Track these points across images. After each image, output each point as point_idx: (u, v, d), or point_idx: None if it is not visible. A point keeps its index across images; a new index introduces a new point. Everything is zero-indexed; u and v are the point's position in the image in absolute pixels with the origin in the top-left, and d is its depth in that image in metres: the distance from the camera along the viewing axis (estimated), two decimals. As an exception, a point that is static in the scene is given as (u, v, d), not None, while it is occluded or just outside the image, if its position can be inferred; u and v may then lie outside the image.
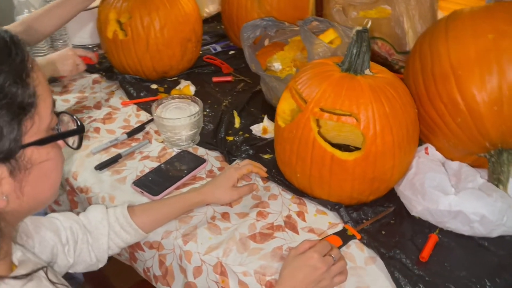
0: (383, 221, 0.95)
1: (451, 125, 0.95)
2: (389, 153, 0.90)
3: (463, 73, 0.91)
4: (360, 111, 0.87)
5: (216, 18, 1.96)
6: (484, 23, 0.93)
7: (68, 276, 0.82)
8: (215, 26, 1.89)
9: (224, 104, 1.36)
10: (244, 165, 1.02)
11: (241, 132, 1.24)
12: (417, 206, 0.93)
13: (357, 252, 0.89)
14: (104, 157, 1.15)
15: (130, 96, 1.41)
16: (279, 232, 0.93)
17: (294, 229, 0.94)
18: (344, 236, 0.91)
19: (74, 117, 0.65)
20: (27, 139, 0.56)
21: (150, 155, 1.16)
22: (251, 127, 1.25)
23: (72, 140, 0.66)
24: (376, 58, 1.42)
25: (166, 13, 1.37)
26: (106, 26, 1.40)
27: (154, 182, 1.05)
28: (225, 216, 0.98)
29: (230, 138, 1.21)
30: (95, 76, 1.53)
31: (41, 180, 0.60)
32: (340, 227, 0.95)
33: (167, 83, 1.47)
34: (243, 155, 1.14)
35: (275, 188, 1.05)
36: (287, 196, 1.03)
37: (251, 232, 0.93)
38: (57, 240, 0.82)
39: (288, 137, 0.96)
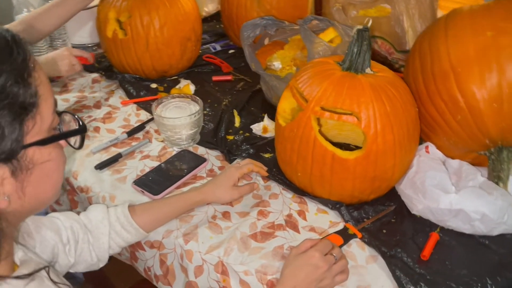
0: (384, 220, 0.95)
1: (451, 122, 0.95)
2: (390, 152, 0.90)
3: (462, 71, 0.91)
4: (361, 110, 0.87)
5: (215, 17, 1.95)
6: (483, 20, 0.93)
7: (69, 276, 0.81)
8: (214, 25, 1.89)
9: (224, 103, 1.36)
10: (244, 164, 1.02)
11: (241, 131, 1.23)
12: (418, 205, 0.93)
13: (358, 251, 0.89)
14: (104, 156, 1.15)
15: (129, 95, 1.41)
16: (280, 231, 0.93)
17: (295, 228, 0.94)
18: (345, 235, 0.91)
19: (76, 116, 0.65)
20: (29, 139, 0.56)
21: (150, 155, 1.16)
22: (252, 126, 1.24)
23: (74, 140, 0.66)
24: (376, 57, 1.42)
25: (165, 12, 1.37)
26: (105, 25, 1.39)
27: (154, 182, 1.05)
28: (226, 215, 0.98)
29: (231, 137, 1.21)
30: (95, 75, 1.53)
31: (43, 180, 0.60)
32: (341, 226, 0.95)
33: (167, 82, 1.47)
34: (243, 154, 1.14)
35: (275, 187, 1.05)
36: (288, 195, 1.03)
37: (252, 231, 0.93)
38: (58, 240, 0.82)
39: (289, 136, 0.96)
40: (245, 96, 1.38)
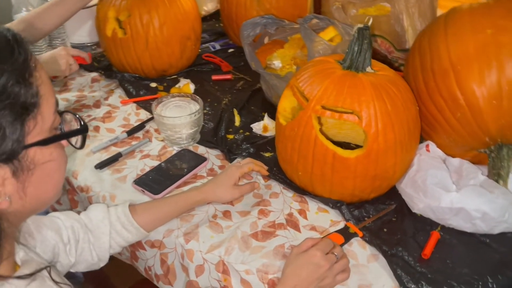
0: (385, 219, 0.95)
1: (451, 120, 0.95)
2: (391, 150, 0.90)
3: (462, 68, 0.91)
4: (362, 109, 0.87)
5: (214, 16, 1.95)
6: (482, 18, 0.93)
7: (69, 275, 0.81)
8: (214, 24, 1.89)
9: (224, 102, 1.36)
10: (245, 164, 1.02)
11: (241, 130, 1.23)
12: (419, 204, 0.93)
13: (359, 250, 0.89)
14: (104, 156, 1.15)
15: (129, 94, 1.41)
16: (281, 230, 0.93)
17: (296, 227, 0.94)
18: (346, 234, 0.91)
19: (77, 116, 0.64)
20: (30, 139, 0.56)
21: (150, 154, 1.16)
22: (252, 125, 1.24)
23: (75, 140, 0.66)
24: (376, 55, 1.42)
25: (165, 11, 1.36)
26: (105, 24, 1.39)
27: (155, 181, 1.05)
28: (226, 214, 0.97)
29: (231, 137, 1.21)
30: (94, 74, 1.53)
31: (44, 181, 0.60)
32: (341, 225, 0.95)
33: (167, 82, 1.47)
34: (243, 154, 1.14)
35: (276, 186, 1.05)
36: (289, 194, 1.03)
37: (253, 231, 0.93)
38: (59, 240, 0.82)
39: (289, 135, 0.96)
40: (245, 95, 1.38)
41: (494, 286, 0.81)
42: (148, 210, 0.92)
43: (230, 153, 1.15)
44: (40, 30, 1.27)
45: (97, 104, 1.37)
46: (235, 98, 1.38)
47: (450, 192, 0.90)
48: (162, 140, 1.21)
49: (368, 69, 0.94)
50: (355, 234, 0.91)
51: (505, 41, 0.89)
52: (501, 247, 0.89)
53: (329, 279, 0.79)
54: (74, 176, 1.11)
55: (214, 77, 1.49)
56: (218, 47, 1.69)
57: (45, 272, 0.62)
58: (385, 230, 0.93)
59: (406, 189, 0.96)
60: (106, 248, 0.88)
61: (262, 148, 1.16)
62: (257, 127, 1.23)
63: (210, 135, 1.21)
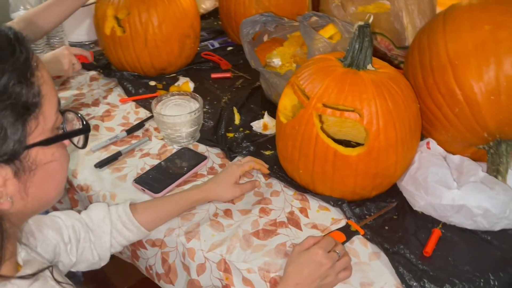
0: (386, 217, 0.95)
1: (449, 116, 0.96)
2: (392, 148, 0.90)
3: (460, 64, 0.91)
4: (363, 107, 0.87)
5: (213, 14, 1.95)
6: (481, 14, 0.93)
7: (69, 275, 0.81)
8: (212, 22, 1.89)
9: (223, 100, 1.36)
10: (246, 162, 1.02)
11: (241, 129, 1.23)
12: (420, 201, 0.93)
13: (361, 248, 0.89)
14: (104, 154, 1.14)
15: (128, 93, 1.40)
16: (282, 229, 0.93)
17: (297, 225, 0.94)
18: (347, 232, 0.91)
19: (79, 115, 0.64)
20: (32, 139, 0.55)
21: (150, 153, 1.16)
22: (252, 124, 1.24)
23: (77, 139, 0.65)
24: (375, 53, 1.42)
25: (164, 9, 1.36)
26: (103, 22, 1.38)
27: (155, 180, 1.04)
28: (227, 213, 0.97)
29: (231, 135, 1.21)
30: (93, 73, 1.52)
31: (46, 181, 0.59)
32: (343, 223, 0.95)
33: (166, 80, 1.46)
34: (244, 152, 1.14)
35: (277, 185, 1.05)
36: (289, 192, 1.03)
37: (254, 229, 0.93)
38: (60, 239, 0.81)
39: (290, 133, 0.96)
40: (245, 93, 1.38)
41: (496, 283, 0.82)
42: (149, 209, 0.92)
43: (230, 151, 1.14)
44: (41, 29, 1.26)
45: (96, 103, 1.36)
46: (234, 96, 1.37)
47: (451, 189, 0.90)
48: (162, 139, 1.20)
49: (369, 66, 0.93)
50: (356, 232, 0.91)
51: (503, 37, 0.89)
52: (502, 244, 0.89)
53: (331, 277, 0.79)
54: (74, 175, 1.10)
55: (213, 75, 1.49)
56: (217, 45, 1.69)
57: (47, 272, 0.62)
58: (386, 228, 0.93)
59: (407, 186, 0.96)
60: (107, 247, 0.88)
61: (262, 146, 1.16)
62: (257, 125, 1.23)
63: (210, 134, 1.21)
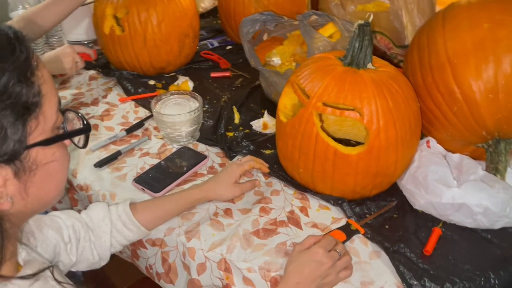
0: (386, 216, 0.95)
1: (448, 114, 0.96)
2: (392, 147, 0.90)
3: (459, 62, 0.92)
4: (363, 106, 0.87)
5: (212, 13, 1.95)
6: (480, 13, 0.93)
7: (68, 275, 0.81)
8: (211, 21, 1.88)
9: (223, 99, 1.36)
10: (246, 161, 1.02)
11: (241, 128, 1.23)
12: (420, 200, 0.93)
13: (361, 247, 0.89)
14: (103, 154, 1.14)
15: (127, 92, 1.40)
16: (282, 228, 0.93)
17: (297, 224, 0.94)
18: (347, 231, 0.91)
19: (80, 114, 0.63)
20: (32, 139, 0.55)
21: (150, 152, 1.15)
22: (251, 123, 1.24)
23: (78, 139, 0.65)
24: (375, 52, 1.41)
25: (163, 8, 1.36)
26: (102, 21, 1.38)
27: (155, 179, 1.04)
28: (227, 212, 0.97)
29: (230, 134, 1.21)
30: (92, 72, 1.52)
31: (47, 181, 0.59)
32: (343, 222, 0.94)
33: (165, 79, 1.46)
34: (244, 151, 1.13)
35: (277, 184, 1.05)
36: (290, 191, 1.03)
37: (254, 228, 0.93)
38: (60, 239, 0.81)
39: (290, 132, 0.95)
40: (244, 92, 1.38)
41: (496, 281, 0.82)
42: (149, 209, 0.92)
43: (230, 150, 1.14)
44: (40, 28, 1.25)
45: (95, 102, 1.36)
46: (234, 95, 1.37)
47: (451, 188, 0.90)
48: (161, 138, 1.20)
49: (369, 65, 0.93)
50: (356, 231, 0.91)
51: (502, 36, 0.89)
52: (502, 243, 0.89)
53: (332, 276, 0.79)
54: (73, 175, 1.10)
55: (212, 75, 1.49)
56: (216, 44, 1.69)
57: (48, 272, 0.62)
58: (386, 227, 0.93)
59: (407, 185, 0.96)
60: (107, 247, 0.88)
61: (262, 145, 1.16)
62: (257, 125, 1.23)
63: (209, 133, 1.21)
